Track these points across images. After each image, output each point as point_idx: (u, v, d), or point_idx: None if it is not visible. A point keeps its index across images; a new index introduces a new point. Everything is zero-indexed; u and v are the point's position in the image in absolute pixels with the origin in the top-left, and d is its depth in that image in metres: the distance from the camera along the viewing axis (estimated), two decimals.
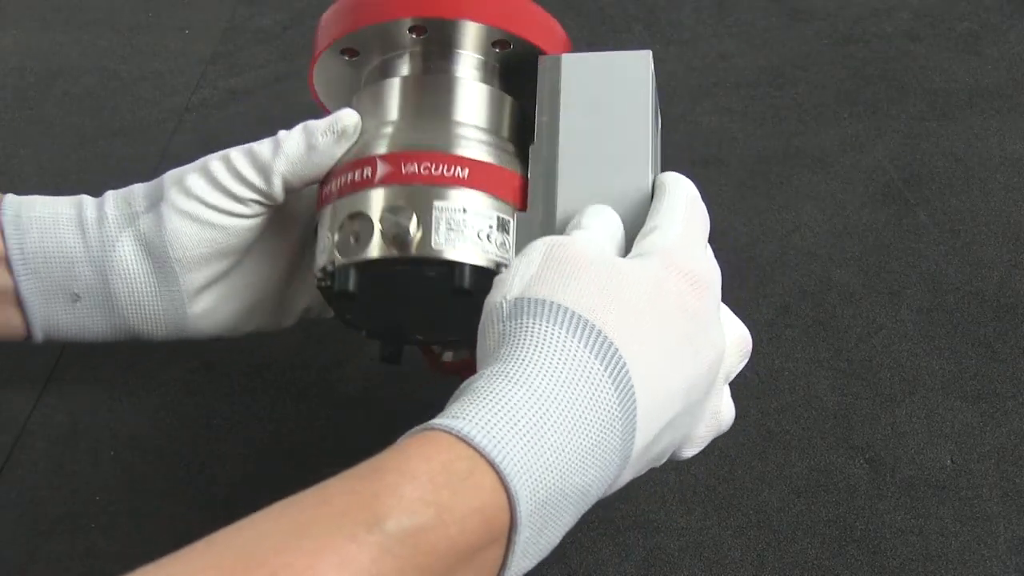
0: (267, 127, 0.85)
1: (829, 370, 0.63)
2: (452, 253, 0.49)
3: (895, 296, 0.68)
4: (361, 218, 0.49)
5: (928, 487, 0.56)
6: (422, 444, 0.36)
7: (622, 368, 0.40)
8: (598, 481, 0.39)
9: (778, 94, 0.88)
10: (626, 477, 0.42)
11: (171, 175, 0.53)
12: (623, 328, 0.40)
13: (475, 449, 0.36)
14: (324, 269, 0.51)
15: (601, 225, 0.46)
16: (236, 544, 0.33)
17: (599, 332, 0.40)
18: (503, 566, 0.37)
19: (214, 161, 0.52)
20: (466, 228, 0.49)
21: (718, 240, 0.56)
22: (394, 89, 0.53)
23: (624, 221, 0.47)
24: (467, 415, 0.37)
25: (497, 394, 0.38)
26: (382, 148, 0.51)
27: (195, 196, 0.52)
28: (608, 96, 0.50)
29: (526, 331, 0.40)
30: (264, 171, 0.51)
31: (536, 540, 0.37)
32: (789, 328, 0.66)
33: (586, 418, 0.38)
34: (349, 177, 0.51)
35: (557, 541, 0.39)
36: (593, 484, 0.39)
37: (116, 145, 0.82)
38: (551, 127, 0.50)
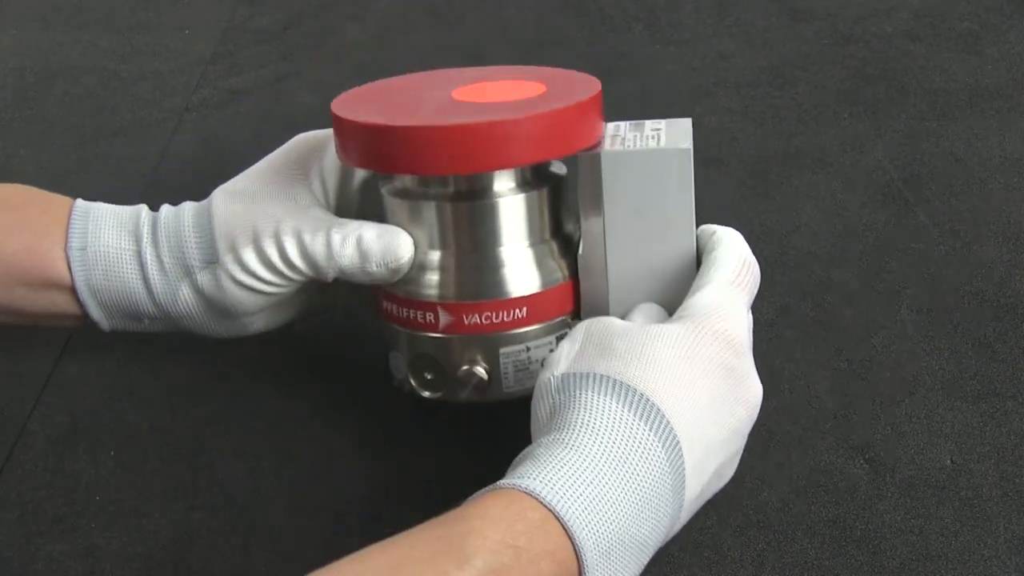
0: (267, 127, 0.85)
1: (829, 370, 0.63)
2: (521, 390, 0.53)
3: (895, 296, 0.68)
4: (431, 359, 0.54)
5: (928, 487, 0.56)
6: (497, 497, 0.41)
7: (666, 426, 0.43)
8: (655, 531, 0.43)
9: (778, 94, 0.88)
10: (683, 523, 0.46)
11: (223, 237, 0.55)
12: (662, 388, 0.44)
13: (543, 504, 0.40)
14: (401, 381, 0.56)
15: (639, 310, 0.51)
16: None
17: (640, 394, 0.44)
18: None
19: (267, 241, 0.54)
20: (531, 364, 0.53)
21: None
22: (437, 215, 0.53)
23: (670, 304, 0.51)
24: (531, 476, 0.41)
25: (556, 459, 0.42)
26: (437, 290, 0.53)
27: (250, 272, 0.54)
28: (650, 195, 0.52)
29: (574, 401, 0.44)
30: (315, 268, 0.54)
31: None
32: (789, 328, 0.66)
33: (637, 474, 0.42)
34: (410, 314, 0.54)
35: None
36: (651, 534, 0.43)
37: (116, 145, 0.82)
38: (596, 233, 0.52)
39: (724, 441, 0.46)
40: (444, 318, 0.53)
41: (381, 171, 0.54)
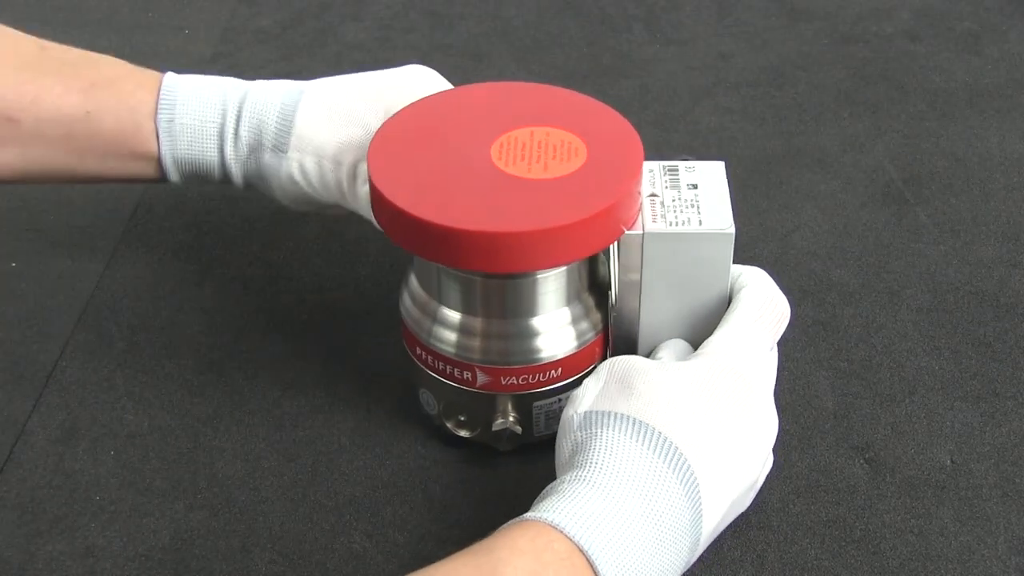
0: None
1: (829, 370, 0.63)
2: (550, 434, 0.53)
3: (895, 296, 0.68)
4: (466, 407, 0.55)
5: (928, 487, 0.56)
6: (525, 529, 0.42)
7: (684, 464, 0.45)
8: (674, 564, 0.44)
9: (778, 94, 0.88)
10: (699, 553, 0.47)
11: (297, 138, 0.59)
12: (680, 426, 0.46)
13: (568, 537, 0.42)
14: (433, 417, 0.57)
15: (667, 346, 0.53)
16: None
17: (659, 433, 0.45)
18: None
19: (327, 165, 0.58)
20: (561, 411, 0.52)
21: None
22: (481, 288, 0.53)
23: (698, 342, 0.52)
24: (557, 510, 0.43)
25: (578, 496, 0.43)
26: (478, 354, 0.53)
27: (307, 179, 0.59)
28: (690, 267, 0.52)
29: (596, 439, 0.45)
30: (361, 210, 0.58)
31: None
32: (789, 328, 0.66)
33: (657, 510, 0.44)
34: (448, 369, 0.54)
35: None
36: (670, 567, 0.44)
37: None
38: (632, 288, 0.52)
39: (741, 475, 0.47)
40: (481, 378, 0.54)
41: (419, 255, 0.53)
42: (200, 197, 0.76)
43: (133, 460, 0.57)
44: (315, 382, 0.62)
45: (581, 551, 0.41)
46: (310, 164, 0.58)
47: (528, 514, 0.43)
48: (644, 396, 0.47)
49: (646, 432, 0.45)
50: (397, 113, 0.55)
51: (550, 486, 0.45)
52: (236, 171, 0.60)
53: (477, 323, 0.53)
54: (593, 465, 0.45)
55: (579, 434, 0.46)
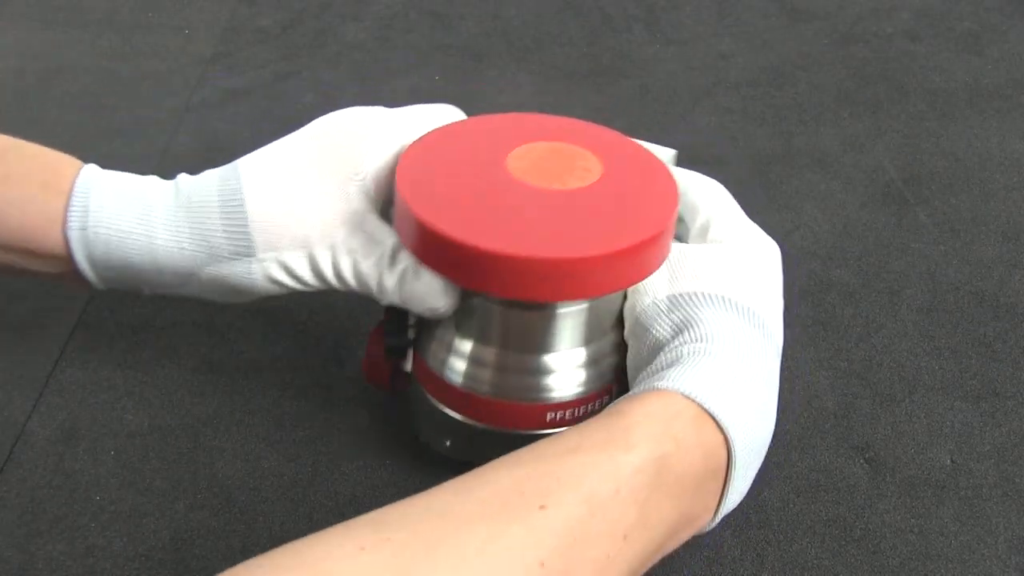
0: (267, 127, 0.85)
1: (829, 370, 0.63)
2: None
3: (895, 296, 0.68)
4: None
5: (928, 487, 0.56)
6: (658, 397, 0.44)
7: (772, 333, 0.49)
8: (768, 435, 0.47)
9: (778, 94, 0.88)
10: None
11: (261, 233, 0.51)
12: (760, 300, 0.50)
13: (698, 404, 0.44)
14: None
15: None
16: (520, 465, 0.41)
17: (748, 308, 0.49)
18: (721, 497, 0.45)
19: (321, 253, 0.52)
20: None
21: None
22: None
23: None
24: (683, 379, 0.45)
25: (701, 365, 0.46)
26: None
27: (295, 276, 0.53)
28: None
29: (699, 316, 0.48)
30: (366, 291, 0.53)
31: (742, 479, 0.46)
32: (789, 328, 0.66)
33: (765, 380, 0.47)
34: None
35: (749, 486, 0.47)
36: (767, 436, 0.47)
37: (116, 145, 0.82)
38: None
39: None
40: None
41: (450, 276, 0.51)
42: None
43: (133, 460, 0.57)
44: (315, 382, 0.62)
45: (712, 416, 0.44)
46: (294, 261, 0.52)
47: (658, 383, 0.45)
48: (720, 276, 0.50)
49: (739, 307, 0.49)
50: (421, 138, 0.53)
51: (662, 359, 0.47)
52: (175, 279, 0.54)
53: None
54: (708, 338, 0.47)
55: (675, 315, 0.49)
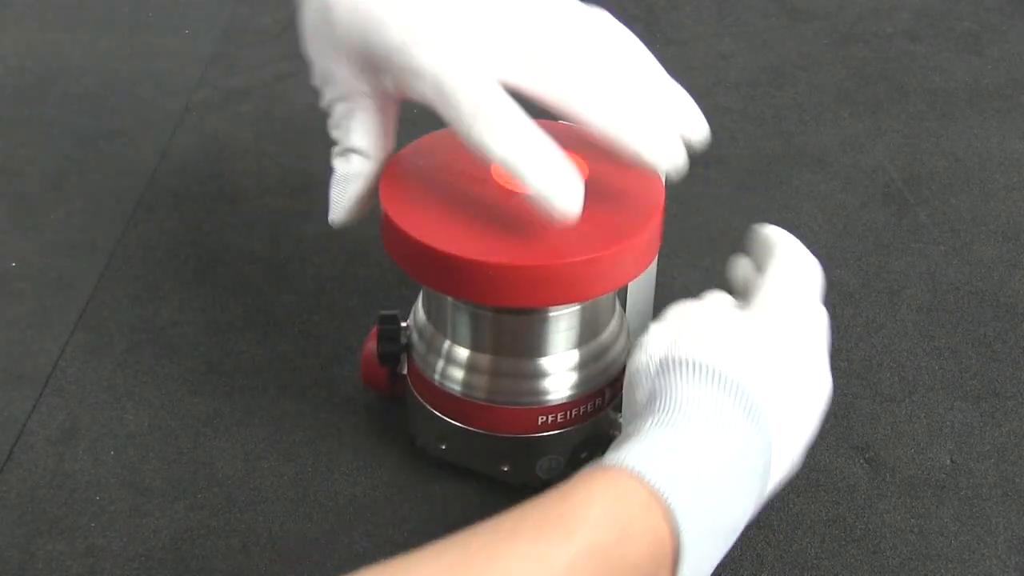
0: (267, 127, 0.85)
1: (829, 370, 0.63)
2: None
3: (895, 296, 0.68)
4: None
5: (928, 487, 0.56)
6: (603, 475, 0.41)
7: (760, 414, 0.44)
8: (742, 518, 0.43)
9: (778, 94, 0.88)
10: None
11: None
12: (757, 379, 0.45)
13: (648, 485, 0.40)
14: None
15: (714, 297, 0.50)
16: (447, 552, 0.38)
17: (738, 385, 0.44)
18: None
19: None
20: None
21: (718, 238, 0.56)
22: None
23: None
24: (637, 457, 0.41)
25: (660, 441, 0.42)
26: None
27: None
28: None
29: (677, 387, 0.44)
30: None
31: (697, 569, 0.41)
32: None
33: (737, 464, 0.42)
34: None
35: (711, 571, 0.43)
36: (739, 521, 0.43)
37: (116, 145, 0.82)
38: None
39: (803, 432, 0.47)
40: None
41: (440, 291, 0.51)
42: (200, 197, 0.76)
43: (133, 460, 0.57)
44: (315, 382, 0.62)
45: (661, 500, 0.40)
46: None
47: (606, 459, 0.42)
48: (719, 344, 0.45)
49: (726, 382, 0.44)
50: (404, 148, 0.53)
51: (628, 430, 0.44)
52: None
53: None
54: (674, 411, 0.43)
55: (656, 381, 0.45)
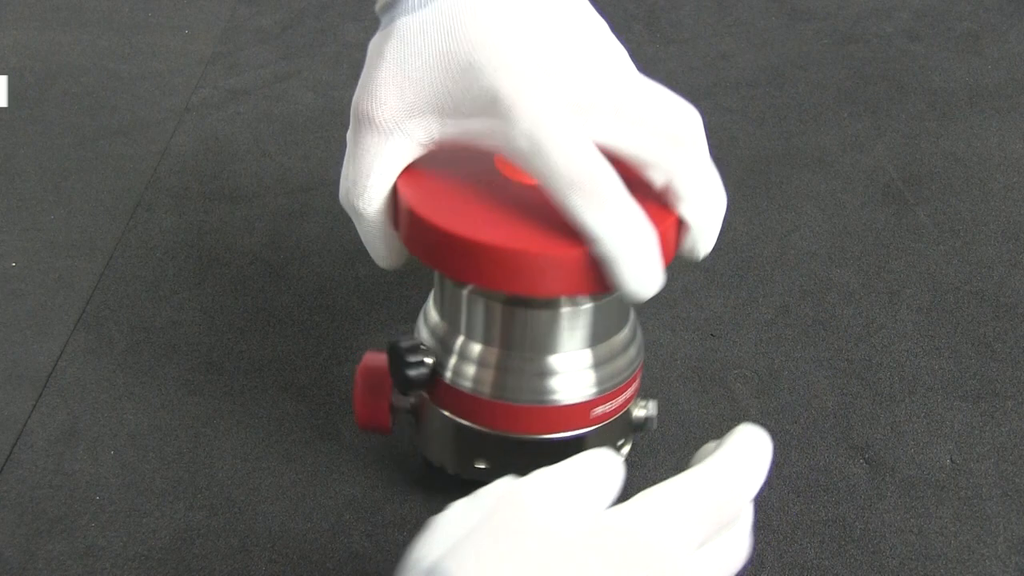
0: (267, 127, 0.85)
1: (829, 370, 0.63)
2: None
3: (895, 296, 0.68)
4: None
5: (928, 487, 0.56)
6: None
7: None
8: None
9: (778, 94, 0.88)
10: None
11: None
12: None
13: None
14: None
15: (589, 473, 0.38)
16: None
17: None
18: None
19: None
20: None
21: (718, 238, 0.55)
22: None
23: None
24: None
25: None
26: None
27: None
28: None
29: None
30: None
31: None
32: (789, 328, 0.66)
33: None
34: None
35: None
36: None
37: (116, 145, 0.82)
38: None
39: None
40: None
41: (451, 276, 0.50)
42: (200, 197, 0.76)
43: (133, 460, 0.57)
44: (315, 382, 0.62)
45: None
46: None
47: None
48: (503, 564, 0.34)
49: None
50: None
51: None
52: None
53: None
54: None
55: None
